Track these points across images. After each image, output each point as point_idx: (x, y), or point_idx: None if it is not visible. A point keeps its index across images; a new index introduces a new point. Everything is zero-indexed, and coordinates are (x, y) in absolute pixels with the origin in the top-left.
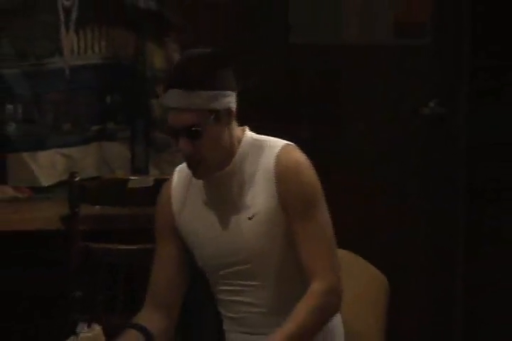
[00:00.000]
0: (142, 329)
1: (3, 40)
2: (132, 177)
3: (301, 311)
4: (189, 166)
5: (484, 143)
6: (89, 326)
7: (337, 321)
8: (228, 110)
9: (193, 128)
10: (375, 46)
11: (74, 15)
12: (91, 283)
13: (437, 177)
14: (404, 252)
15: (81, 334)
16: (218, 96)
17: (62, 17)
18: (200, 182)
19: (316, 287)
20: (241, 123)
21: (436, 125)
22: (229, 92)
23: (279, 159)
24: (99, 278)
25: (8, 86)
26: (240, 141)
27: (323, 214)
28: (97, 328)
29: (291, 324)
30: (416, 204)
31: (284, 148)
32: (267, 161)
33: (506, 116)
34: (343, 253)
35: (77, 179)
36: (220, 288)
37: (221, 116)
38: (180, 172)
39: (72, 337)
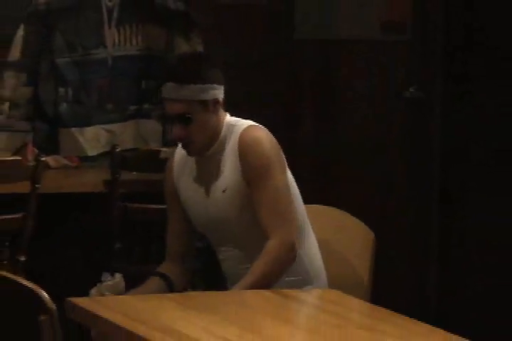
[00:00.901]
0: (164, 276)
1: (57, 35)
2: (163, 149)
3: (259, 264)
4: (182, 146)
5: (456, 120)
6: (112, 275)
7: (315, 266)
8: (215, 100)
9: (185, 116)
10: (365, 41)
11: (115, 15)
12: (128, 238)
13: (415, 141)
14: (388, 213)
15: (104, 283)
16: (206, 88)
17: (105, 16)
18: (193, 159)
19: (271, 243)
20: (226, 110)
21: (416, 106)
22: (216, 85)
23: (241, 137)
24: (136, 231)
25: (60, 73)
26: (222, 124)
27: (279, 183)
28: (118, 276)
29: (249, 276)
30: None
31: (247, 128)
32: (234, 140)
33: (475, 97)
34: (337, 212)
35: (117, 150)
36: (214, 248)
37: (209, 106)
38: (180, 149)
39: (97, 285)
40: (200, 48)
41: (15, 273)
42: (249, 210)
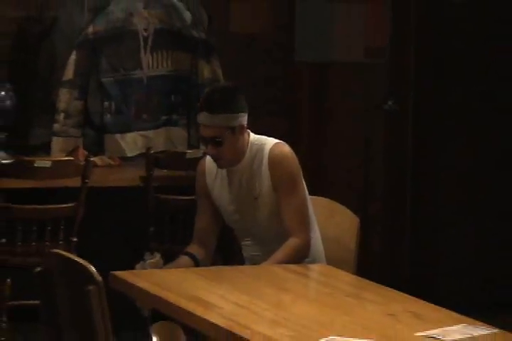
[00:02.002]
0: (191, 256)
1: (102, 59)
2: (188, 151)
3: (279, 254)
4: (214, 160)
5: (424, 126)
6: (152, 254)
7: (316, 242)
8: (241, 126)
9: (216, 139)
10: (351, 63)
11: (150, 42)
12: (160, 223)
13: (393, 142)
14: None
15: (147, 261)
16: (234, 117)
17: (142, 43)
18: (225, 171)
19: (293, 240)
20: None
21: (392, 116)
22: (242, 114)
23: (270, 154)
24: (167, 218)
25: (105, 89)
26: (247, 143)
27: (300, 192)
28: (158, 255)
29: (270, 260)
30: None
31: (274, 145)
32: (264, 156)
33: (440, 109)
34: (327, 202)
35: (151, 152)
36: (239, 238)
37: (236, 131)
38: (211, 162)
39: (140, 262)
40: (218, 70)
41: (68, 252)
42: (275, 214)
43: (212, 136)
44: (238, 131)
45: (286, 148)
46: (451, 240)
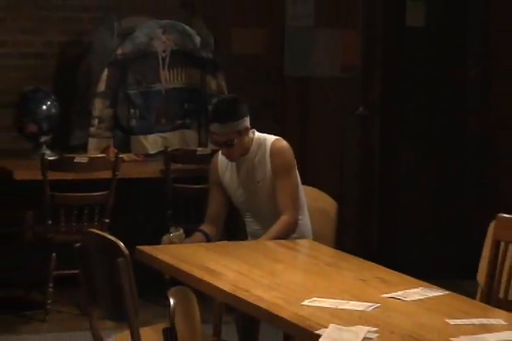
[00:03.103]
0: (204, 233)
1: (129, 74)
2: (199, 149)
3: (273, 230)
4: (226, 157)
5: (390, 129)
6: (176, 228)
7: (305, 221)
8: (246, 128)
9: (228, 143)
10: (330, 77)
11: (167, 61)
12: (176, 207)
13: (363, 141)
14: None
15: (172, 233)
16: (240, 123)
17: (160, 62)
18: (234, 163)
19: (284, 218)
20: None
21: (363, 120)
22: (244, 118)
23: (271, 147)
24: (181, 203)
25: (131, 99)
26: (252, 139)
27: (293, 179)
28: (181, 229)
29: (265, 236)
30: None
31: (275, 140)
32: (266, 148)
33: (404, 113)
34: (312, 190)
35: (169, 150)
36: (243, 216)
37: (242, 133)
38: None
39: (166, 234)
40: (222, 83)
41: (102, 231)
42: (272, 196)
43: (224, 141)
44: (244, 132)
45: (284, 142)
46: (410, 220)
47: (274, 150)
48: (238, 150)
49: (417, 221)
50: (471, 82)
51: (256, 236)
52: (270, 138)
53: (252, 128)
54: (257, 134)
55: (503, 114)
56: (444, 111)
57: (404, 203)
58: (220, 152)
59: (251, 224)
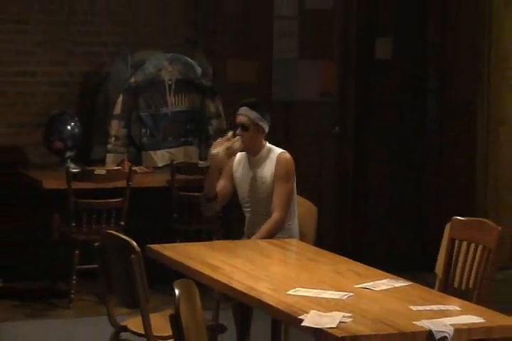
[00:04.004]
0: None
1: (140, 99)
2: (200, 162)
3: (264, 228)
4: (240, 136)
5: (361, 145)
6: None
7: (294, 225)
8: (262, 129)
9: (245, 125)
10: (310, 101)
11: (172, 88)
12: (180, 211)
13: (339, 155)
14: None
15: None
16: (260, 118)
17: (167, 88)
18: (247, 161)
19: (274, 215)
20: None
21: (338, 138)
22: (265, 121)
23: (278, 156)
24: (185, 208)
25: (142, 120)
26: (263, 146)
27: (288, 185)
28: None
29: (258, 234)
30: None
31: (282, 152)
32: (274, 156)
33: (373, 132)
34: (297, 197)
35: (174, 163)
36: (244, 209)
37: (258, 128)
38: (240, 154)
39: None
40: (220, 106)
41: (117, 232)
42: (270, 195)
43: (243, 122)
44: (259, 130)
45: (289, 155)
46: (379, 222)
47: (280, 160)
48: (249, 139)
49: (385, 223)
50: (430, 106)
51: (252, 229)
52: (279, 149)
53: (266, 139)
54: (269, 144)
55: (455, 133)
56: (405, 129)
57: (373, 208)
58: (238, 154)
59: (248, 214)
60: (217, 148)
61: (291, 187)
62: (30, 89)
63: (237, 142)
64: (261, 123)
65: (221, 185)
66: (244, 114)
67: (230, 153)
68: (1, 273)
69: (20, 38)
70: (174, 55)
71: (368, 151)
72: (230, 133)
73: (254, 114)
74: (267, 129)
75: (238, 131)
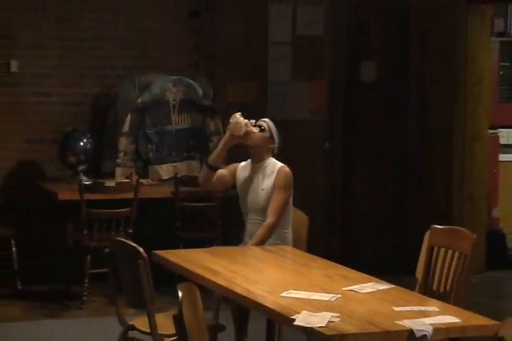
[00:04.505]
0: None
1: (147, 118)
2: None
3: (259, 232)
4: (251, 149)
5: (347, 158)
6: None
7: (289, 233)
8: (273, 139)
9: (262, 127)
10: (302, 120)
11: (176, 108)
12: (183, 220)
13: (330, 168)
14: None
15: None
16: (275, 131)
17: (171, 108)
18: (249, 169)
19: (268, 220)
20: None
21: (328, 154)
22: (277, 137)
23: (280, 168)
24: (187, 217)
25: (149, 137)
26: (268, 157)
27: (284, 195)
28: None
29: (253, 238)
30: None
31: (283, 166)
32: (276, 168)
33: (359, 149)
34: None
35: (178, 176)
36: (244, 217)
37: (271, 137)
38: (244, 163)
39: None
40: (219, 124)
41: (126, 239)
42: (267, 202)
43: (263, 125)
44: (270, 138)
45: (289, 169)
46: (365, 230)
47: (280, 172)
48: (260, 140)
49: (371, 232)
50: (411, 125)
51: (250, 237)
52: (280, 163)
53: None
54: (273, 158)
55: (434, 149)
56: (387, 145)
57: (360, 216)
58: (241, 163)
59: (247, 225)
60: (240, 120)
61: (287, 197)
62: (46, 108)
63: (255, 129)
64: (274, 135)
65: (221, 173)
66: (266, 122)
67: (246, 129)
68: (21, 277)
69: (37, 62)
70: (178, 77)
71: (355, 165)
72: (252, 121)
73: (272, 125)
74: (276, 143)
75: (256, 131)
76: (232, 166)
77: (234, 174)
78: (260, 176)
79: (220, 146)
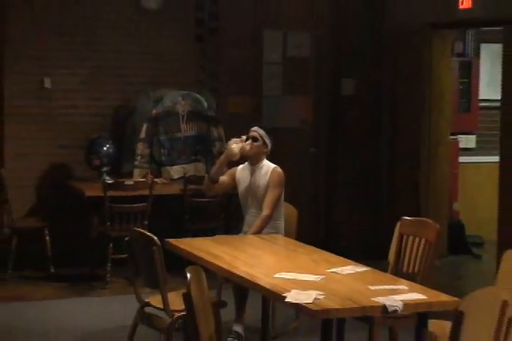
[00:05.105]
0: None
1: (160, 127)
2: (206, 175)
3: (256, 224)
4: (249, 156)
5: (331, 161)
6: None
7: (281, 224)
8: (266, 146)
9: (254, 138)
10: (292, 128)
11: (185, 118)
12: (191, 213)
13: (316, 174)
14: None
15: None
16: (265, 135)
17: (180, 118)
18: (248, 170)
19: (264, 213)
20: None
21: (314, 158)
22: (268, 140)
23: (273, 169)
24: (195, 211)
25: (161, 143)
26: (263, 160)
27: (277, 192)
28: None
29: (251, 229)
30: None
31: (276, 167)
32: (270, 169)
33: (345, 154)
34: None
35: (187, 176)
36: (243, 211)
37: (264, 142)
38: (242, 166)
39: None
40: (222, 132)
41: (143, 229)
42: (262, 198)
43: (254, 135)
44: (263, 143)
45: (281, 170)
46: (346, 220)
47: (274, 172)
48: (256, 149)
49: (350, 223)
50: (384, 131)
51: (247, 227)
52: (273, 165)
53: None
54: (267, 160)
55: (404, 152)
56: (364, 149)
57: (342, 210)
58: (240, 165)
59: (246, 217)
60: (235, 145)
61: (279, 193)
62: (74, 119)
63: (247, 146)
64: (266, 139)
65: (222, 179)
66: (256, 131)
67: (241, 152)
68: (53, 262)
69: (66, 80)
70: (186, 92)
71: (337, 167)
72: (244, 137)
73: (262, 132)
74: (269, 146)
75: (250, 143)
76: (231, 170)
77: (233, 176)
78: (257, 176)
79: (217, 165)
